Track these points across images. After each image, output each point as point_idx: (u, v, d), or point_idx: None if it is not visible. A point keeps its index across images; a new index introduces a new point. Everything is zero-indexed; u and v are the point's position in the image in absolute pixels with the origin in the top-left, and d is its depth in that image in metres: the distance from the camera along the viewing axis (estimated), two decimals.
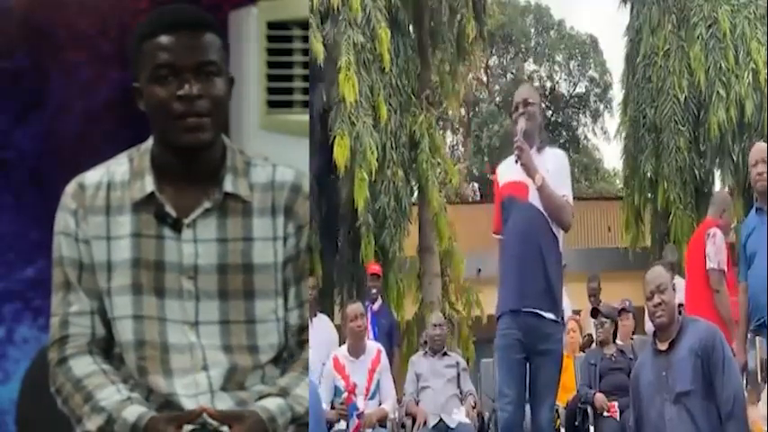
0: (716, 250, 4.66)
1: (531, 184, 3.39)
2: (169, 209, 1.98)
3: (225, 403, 1.98)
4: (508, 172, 3.53)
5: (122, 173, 2.03)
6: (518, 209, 3.45)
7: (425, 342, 5.75)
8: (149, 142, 2.04)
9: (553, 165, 3.48)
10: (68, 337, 2.00)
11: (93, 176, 2.04)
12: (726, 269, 4.67)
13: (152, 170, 2.00)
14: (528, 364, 3.40)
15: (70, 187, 2.05)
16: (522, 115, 3.49)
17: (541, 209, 3.38)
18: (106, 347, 2.03)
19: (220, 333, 1.99)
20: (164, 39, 1.93)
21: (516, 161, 3.37)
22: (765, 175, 4.06)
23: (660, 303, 3.30)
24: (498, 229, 3.57)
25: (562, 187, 3.44)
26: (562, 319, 3.49)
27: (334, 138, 8.52)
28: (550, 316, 3.38)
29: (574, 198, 3.53)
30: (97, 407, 1.91)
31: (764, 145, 4.25)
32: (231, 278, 1.99)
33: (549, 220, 3.39)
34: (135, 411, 1.90)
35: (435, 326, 5.62)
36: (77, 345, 2.00)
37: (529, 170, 3.38)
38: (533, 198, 3.39)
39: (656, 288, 3.33)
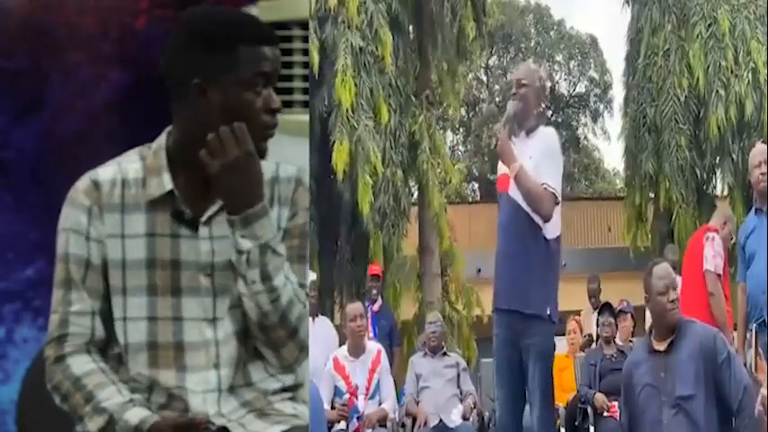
0: (713, 253, 4.66)
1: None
2: (185, 207, 1.98)
3: (230, 404, 1.99)
4: (501, 166, 3.45)
5: (135, 170, 2.01)
6: (502, 203, 3.37)
7: (424, 343, 5.75)
8: (161, 140, 2.02)
9: (539, 150, 3.31)
10: (67, 335, 1.98)
11: (106, 173, 2.01)
12: (721, 274, 4.66)
13: (168, 168, 1.99)
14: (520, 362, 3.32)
15: (82, 184, 2.01)
16: (514, 97, 3.38)
17: (518, 200, 3.25)
18: (103, 348, 2.02)
19: (231, 321, 1.99)
20: (266, 50, 1.95)
21: (493, 148, 3.31)
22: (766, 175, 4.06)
23: (676, 299, 3.27)
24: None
25: (545, 174, 3.25)
26: (550, 313, 3.29)
27: (334, 142, 8.54)
28: (530, 311, 3.25)
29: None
30: (99, 407, 1.90)
31: (765, 146, 4.25)
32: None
33: (530, 211, 3.24)
34: (138, 414, 1.89)
35: (431, 323, 5.63)
36: (76, 343, 1.98)
37: (505, 159, 3.28)
38: (512, 189, 3.28)
39: (671, 283, 3.29)
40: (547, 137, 3.40)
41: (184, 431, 1.88)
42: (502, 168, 3.44)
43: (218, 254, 1.98)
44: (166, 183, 1.97)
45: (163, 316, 1.98)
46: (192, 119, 1.94)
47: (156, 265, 1.97)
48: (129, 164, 2.02)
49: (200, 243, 1.98)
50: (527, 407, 3.45)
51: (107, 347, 2.02)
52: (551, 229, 3.30)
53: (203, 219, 1.98)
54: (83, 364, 1.96)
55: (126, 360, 2.00)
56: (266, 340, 1.98)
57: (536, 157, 3.29)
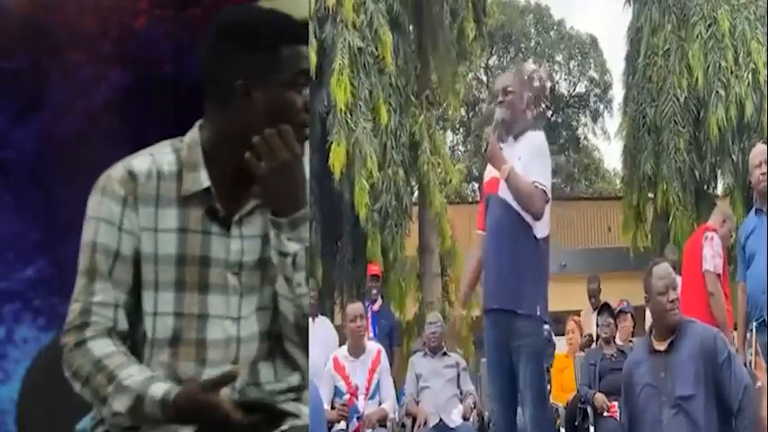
0: (712, 254, 4.64)
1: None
2: (219, 205, 1.97)
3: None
4: (489, 170, 3.50)
5: (169, 163, 1.98)
6: (492, 204, 3.41)
7: (424, 343, 5.75)
8: (195, 135, 2.00)
9: (528, 151, 3.36)
10: (88, 324, 1.93)
11: (141, 165, 1.97)
12: (721, 273, 4.65)
13: (204, 165, 1.97)
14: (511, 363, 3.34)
15: (117, 173, 1.96)
16: (501, 105, 3.43)
17: (509, 200, 3.29)
18: (123, 339, 1.98)
19: (256, 320, 2.00)
20: (303, 48, 1.96)
21: (483, 152, 3.33)
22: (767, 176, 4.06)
23: (676, 299, 3.28)
24: (480, 226, 3.53)
25: (535, 173, 3.30)
26: (541, 313, 3.33)
27: (331, 143, 8.55)
28: (522, 311, 3.28)
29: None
30: (122, 386, 1.86)
31: (765, 147, 4.25)
32: (269, 271, 2.01)
33: (520, 210, 3.29)
34: (161, 387, 1.86)
35: (431, 324, 5.63)
36: (97, 330, 1.93)
37: (495, 162, 3.32)
38: (502, 191, 3.33)
39: (672, 283, 3.30)
40: (535, 138, 3.44)
41: (212, 391, 1.85)
42: (491, 172, 3.48)
43: (246, 253, 1.99)
44: (203, 179, 1.96)
45: (189, 312, 1.97)
46: (234, 119, 1.94)
47: (186, 261, 1.96)
48: (163, 156, 1.99)
49: (231, 242, 1.98)
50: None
51: (126, 339, 1.99)
52: (541, 229, 3.34)
53: (236, 218, 1.98)
54: (103, 347, 1.92)
55: (149, 354, 1.97)
56: (300, 341, 1.99)
57: (525, 157, 3.34)
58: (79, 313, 1.94)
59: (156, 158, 1.98)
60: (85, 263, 1.96)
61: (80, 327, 1.93)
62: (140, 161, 1.98)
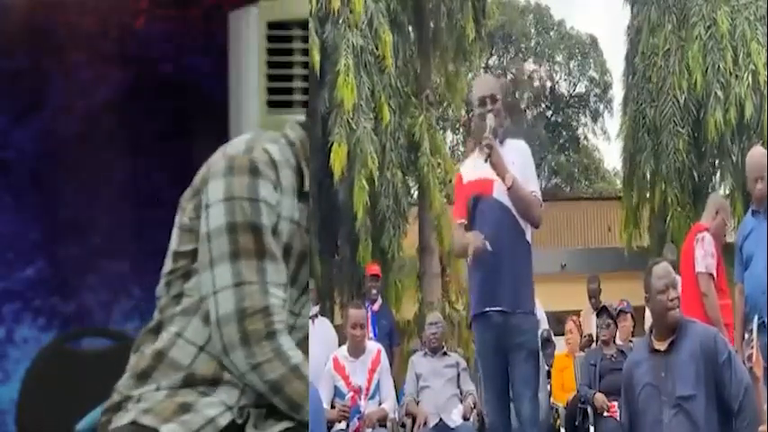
0: (704, 254, 4.63)
1: (495, 178, 3.35)
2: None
3: None
4: (473, 169, 3.50)
5: (291, 156, 1.99)
6: (484, 205, 3.42)
7: (424, 342, 5.75)
8: (301, 134, 2.03)
9: (519, 159, 3.45)
10: (271, 307, 1.87)
11: (275, 151, 1.95)
12: (714, 273, 4.64)
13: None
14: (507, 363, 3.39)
15: (260, 156, 1.92)
16: (491, 112, 3.44)
17: (506, 203, 3.36)
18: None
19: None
20: None
21: (486, 160, 3.31)
22: (766, 190, 4.07)
23: (676, 299, 3.29)
24: (461, 215, 3.50)
25: (529, 182, 3.42)
26: (533, 311, 3.44)
27: (332, 143, 8.55)
28: (518, 310, 3.36)
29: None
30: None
31: (763, 150, 4.25)
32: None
33: (517, 214, 3.37)
34: None
35: (431, 324, 5.62)
36: (282, 320, 1.89)
37: (499, 169, 3.34)
38: (498, 193, 3.37)
39: (671, 282, 3.31)
40: (524, 150, 3.55)
41: None
42: (478, 171, 3.46)
43: None
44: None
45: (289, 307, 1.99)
46: None
47: (292, 255, 1.97)
48: (286, 148, 1.99)
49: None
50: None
51: None
52: (528, 233, 3.45)
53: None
54: (290, 344, 1.90)
55: None
56: None
57: (518, 165, 3.42)
58: (260, 295, 1.86)
59: (282, 149, 1.97)
60: (248, 243, 1.88)
61: (264, 312, 1.86)
62: (272, 147, 1.96)
